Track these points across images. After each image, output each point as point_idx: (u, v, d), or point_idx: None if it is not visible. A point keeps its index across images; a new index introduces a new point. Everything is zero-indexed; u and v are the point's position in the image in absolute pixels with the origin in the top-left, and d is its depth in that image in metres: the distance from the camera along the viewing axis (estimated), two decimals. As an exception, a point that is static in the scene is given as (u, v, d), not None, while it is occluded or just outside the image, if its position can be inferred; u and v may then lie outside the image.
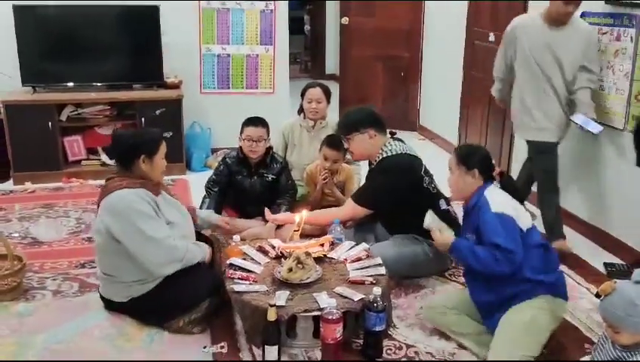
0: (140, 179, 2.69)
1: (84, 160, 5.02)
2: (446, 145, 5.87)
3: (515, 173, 4.68)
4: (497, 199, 2.49)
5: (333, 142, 3.66)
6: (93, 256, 3.39)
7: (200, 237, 2.96)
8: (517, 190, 2.64)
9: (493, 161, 2.65)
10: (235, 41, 5.35)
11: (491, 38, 4.88)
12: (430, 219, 2.72)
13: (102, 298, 2.86)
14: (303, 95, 4.00)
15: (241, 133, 3.56)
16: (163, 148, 2.77)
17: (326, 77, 9.71)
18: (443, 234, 2.68)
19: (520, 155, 4.64)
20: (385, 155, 3.15)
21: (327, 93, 3.99)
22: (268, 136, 3.57)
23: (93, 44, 4.92)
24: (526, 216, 2.53)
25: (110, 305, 2.83)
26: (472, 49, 5.28)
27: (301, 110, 4.05)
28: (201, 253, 2.81)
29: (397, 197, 3.07)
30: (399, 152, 3.16)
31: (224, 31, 5.31)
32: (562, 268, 3.44)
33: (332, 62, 9.69)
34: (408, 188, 3.08)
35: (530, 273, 2.45)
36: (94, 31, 4.89)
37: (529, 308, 2.43)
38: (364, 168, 3.90)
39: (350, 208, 3.19)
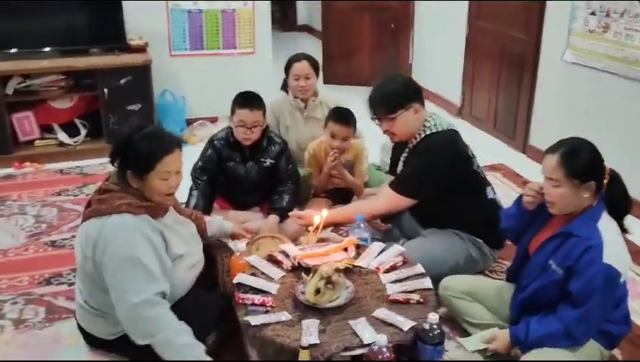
0: (145, 202, 2.07)
1: (38, 139, 4.45)
2: (446, 105, 5.36)
3: (535, 134, 4.27)
4: (612, 244, 2.01)
5: (342, 116, 3.14)
6: (61, 267, 2.87)
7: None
8: (626, 198, 2.10)
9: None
10: (207, -6, 4.79)
11: (503, -17, 4.31)
12: (473, 345, 2.29)
13: (80, 329, 2.29)
14: (287, 70, 3.47)
15: (232, 113, 2.96)
16: (166, 166, 2.07)
17: (297, 28, 9.03)
18: (497, 340, 2.21)
19: (540, 115, 4.18)
20: (428, 132, 2.61)
21: (316, 67, 3.47)
22: (264, 117, 2.98)
23: (41, 0, 4.28)
24: (628, 259, 2.08)
25: (91, 341, 2.28)
26: (478, -5, 4.72)
27: (285, 85, 3.54)
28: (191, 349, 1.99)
29: (446, 182, 2.55)
30: (445, 128, 2.62)
31: (194, -18, 4.75)
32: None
33: (304, 12, 8.99)
34: (459, 170, 2.57)
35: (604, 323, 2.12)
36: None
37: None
38: (367, 141, 3.50)
39: (387, 200, 2.65)
